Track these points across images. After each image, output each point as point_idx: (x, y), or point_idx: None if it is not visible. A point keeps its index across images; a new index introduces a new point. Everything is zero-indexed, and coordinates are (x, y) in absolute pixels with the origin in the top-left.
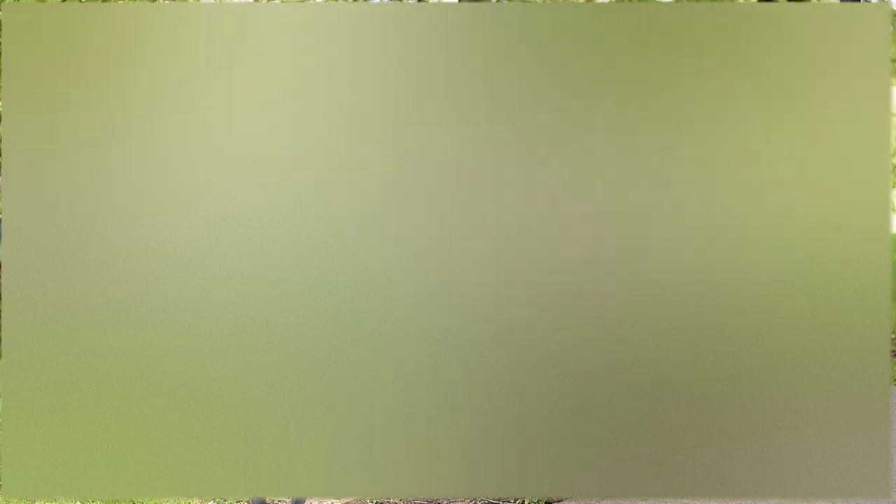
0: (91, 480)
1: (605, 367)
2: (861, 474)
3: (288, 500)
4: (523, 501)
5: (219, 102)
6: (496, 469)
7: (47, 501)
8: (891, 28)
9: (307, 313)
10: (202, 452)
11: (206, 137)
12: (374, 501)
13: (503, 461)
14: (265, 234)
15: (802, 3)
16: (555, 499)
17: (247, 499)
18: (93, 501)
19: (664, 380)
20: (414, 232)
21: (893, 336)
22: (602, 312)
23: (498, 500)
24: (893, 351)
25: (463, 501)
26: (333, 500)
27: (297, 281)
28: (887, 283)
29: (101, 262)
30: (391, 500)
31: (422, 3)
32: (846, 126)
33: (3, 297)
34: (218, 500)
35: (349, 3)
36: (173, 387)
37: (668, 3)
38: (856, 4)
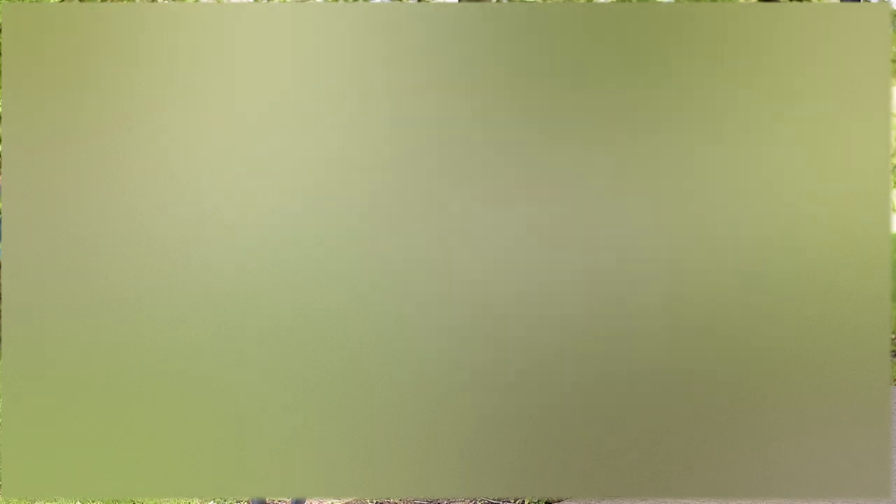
0: (91, 480)
1: (606, 368)
2: (861, 474)
3: (288, 500)
4: (523, 501)
5: (219, 102)
6: (496, 469)
7: (47, 501)
8: (891, 28)
9: (307, 314)
10: (202, 452)
11: (206, 137)
12: (374, 501)
13: (503, 461)
14: (266, 233)
15: (802, 3)
16: (555, 499)
17: (247, 499)
18: (93, 501)
19: (664, 380)
20: (414, 232)
21: (893, 336)
22: (602, 313)
23: (498, 500)
24: (893, 351)
25: (463, 501)
26: (333, 500)
27: (298, 281)
28: (887, 283)
29: (101, 261)
30: (391, 500)
31: (422, 3)
32: (846, 126)
33: (3, 297)
34: (218, 500)
35: (349, 3)
36: (173, 387)
37: (668, 3)
38: (856, 4)
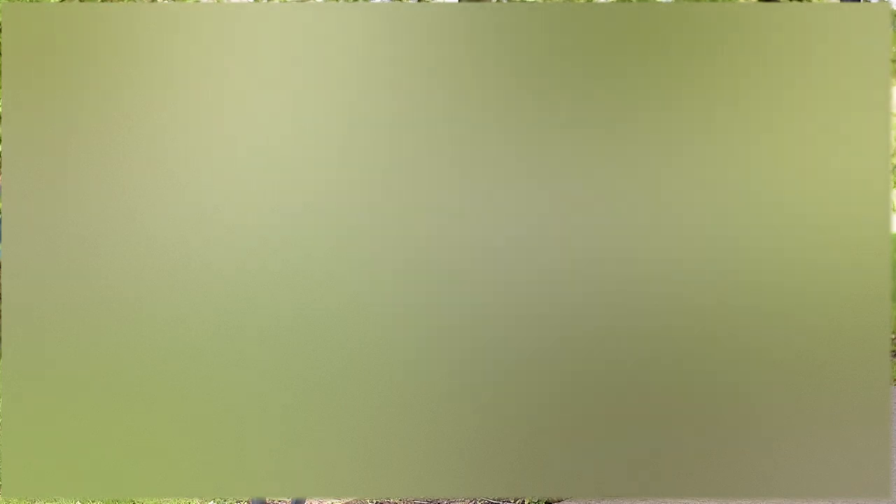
0: (91, 480)
1: (606, 368)
2: (861, 474)
3: (288, 500)
4: (523, 501)
5: (219, 102)
6: (496, 469)
7: (47, 501)
8: (891, 28)
9: (307, 314)
10: (202, 452)
11: (206, 137)
12: (374, 501)
13: (503, 461)
14: (266, 233)
15: (802, 3)
16: (555, 499)
17: (247, 499)
18: (93, 501)
19: (664, 380)
20: (415, 232)
21: (893, 336)
22: (603, 313)
23: (498, 500)
24: (893, 351)
25: (463, 501)
26: (333, 500)
27: (297, 281)
28: (887, 283)
29: (101, 261)
30: (391, 500)
31: (422, 3)
32: (846, 126)
33: (3, 297)
34: (218, 500)
35: (349, 3)
36: (173, 387)
37: (668, 3)
38: (856, 4)
